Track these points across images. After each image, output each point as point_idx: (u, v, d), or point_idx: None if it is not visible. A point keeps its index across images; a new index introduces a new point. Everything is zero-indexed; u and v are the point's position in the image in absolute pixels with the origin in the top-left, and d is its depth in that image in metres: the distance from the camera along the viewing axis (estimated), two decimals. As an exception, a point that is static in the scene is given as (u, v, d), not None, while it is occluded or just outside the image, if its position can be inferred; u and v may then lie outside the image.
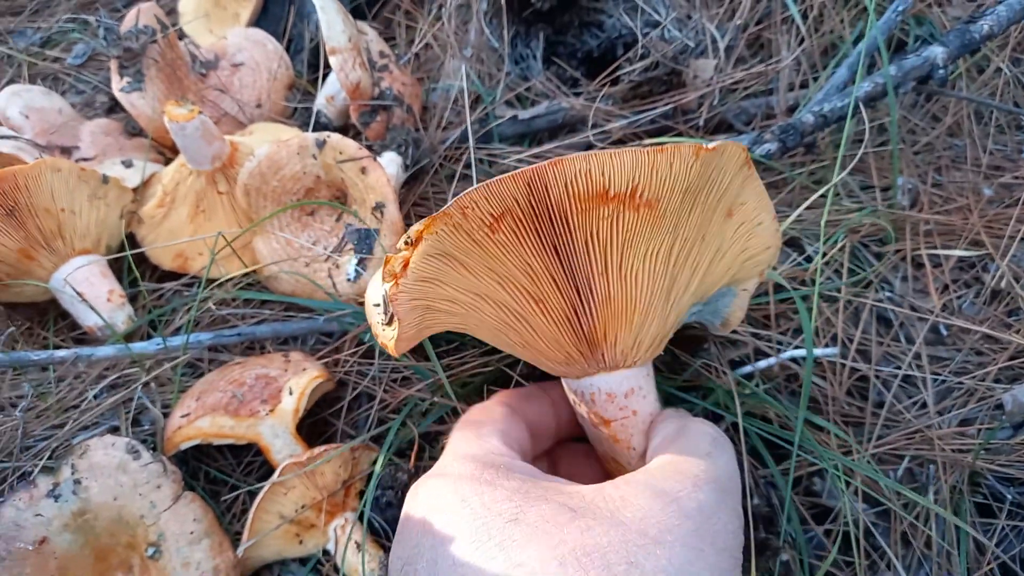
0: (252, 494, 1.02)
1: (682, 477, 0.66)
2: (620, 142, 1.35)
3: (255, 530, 0.93)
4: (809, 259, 1.17)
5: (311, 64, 1.51)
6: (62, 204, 1.09)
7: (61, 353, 1.05)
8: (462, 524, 0.63)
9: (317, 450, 0.95)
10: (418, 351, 1.05)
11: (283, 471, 0.92)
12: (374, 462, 1.01)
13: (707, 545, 0.60)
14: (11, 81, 1.62)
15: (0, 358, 1.05)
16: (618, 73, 1.39)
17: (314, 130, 1.35)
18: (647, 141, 1.34)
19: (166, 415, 1.04)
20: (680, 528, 0.60)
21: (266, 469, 1.05)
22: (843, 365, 1.06)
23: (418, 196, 1.31)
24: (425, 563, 0.63)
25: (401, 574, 0.66)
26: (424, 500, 0.70)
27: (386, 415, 1.07)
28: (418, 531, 0.66)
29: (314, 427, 1.08)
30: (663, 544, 0.58)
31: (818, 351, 1.04)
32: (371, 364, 1.07)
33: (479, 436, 0.76)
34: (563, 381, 0.83)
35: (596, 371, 0.77)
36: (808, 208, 1.25)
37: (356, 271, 1.10)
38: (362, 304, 1.12)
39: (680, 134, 1.35)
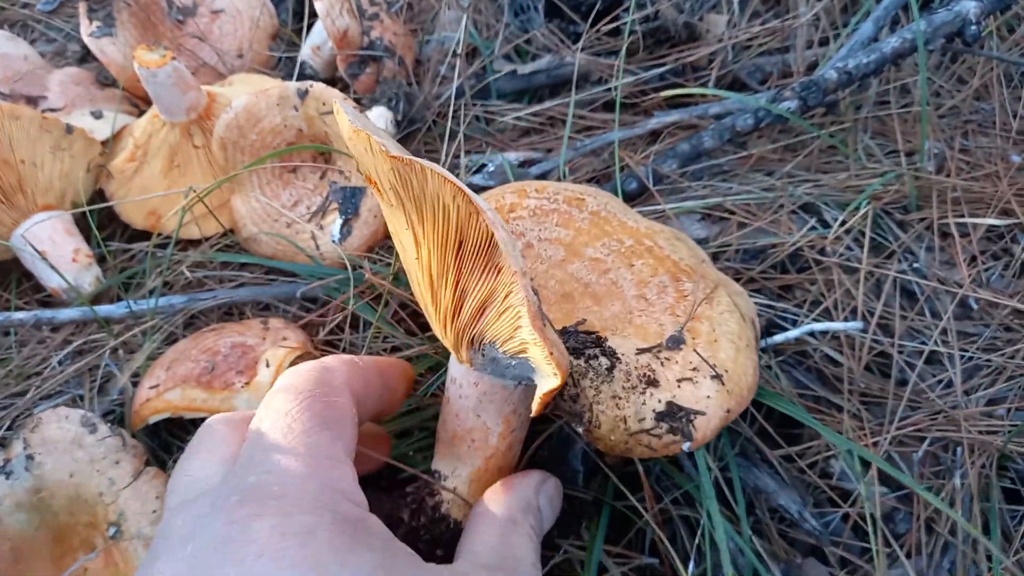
0: (227, 471, 0.94)
1: None
2: (626, 100, 1.27)
3: (228, 510, 0.86)
4: (827, 225, 1.09)
5: (296, 13, 1.42)
6: (22, 155, 1.01)
7: (20, 315, 0.97)
8: None
9: (296, 425, 0.87)
10: (409, 319, 0.98)
11: (259, 447, 0.85)
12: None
13: None
14: (-23, 28, 1.52)
15: (-46, 321, 0.98)
16: (621, 22, 1.30)
17: (298, 81, 1.26)
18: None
19: (135, 384, 0.96)
20: None
21: (242, 444, 0.97)
22: (863, 340, 0.99)
23: (410, 155, 1.22)
24: None
25: None
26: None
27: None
28: None
29: (295, 399, 1.01)
30: None
31: (839, 325, 0.96)
32: (356, 332, 1.00)
33: (330, 452, 0.57)
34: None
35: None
36: (827, 173, 1.17)
37: (341, 232, 1.02)
38: (347, 267, 1.04)
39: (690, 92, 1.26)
